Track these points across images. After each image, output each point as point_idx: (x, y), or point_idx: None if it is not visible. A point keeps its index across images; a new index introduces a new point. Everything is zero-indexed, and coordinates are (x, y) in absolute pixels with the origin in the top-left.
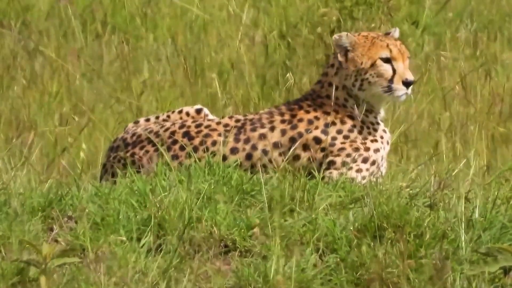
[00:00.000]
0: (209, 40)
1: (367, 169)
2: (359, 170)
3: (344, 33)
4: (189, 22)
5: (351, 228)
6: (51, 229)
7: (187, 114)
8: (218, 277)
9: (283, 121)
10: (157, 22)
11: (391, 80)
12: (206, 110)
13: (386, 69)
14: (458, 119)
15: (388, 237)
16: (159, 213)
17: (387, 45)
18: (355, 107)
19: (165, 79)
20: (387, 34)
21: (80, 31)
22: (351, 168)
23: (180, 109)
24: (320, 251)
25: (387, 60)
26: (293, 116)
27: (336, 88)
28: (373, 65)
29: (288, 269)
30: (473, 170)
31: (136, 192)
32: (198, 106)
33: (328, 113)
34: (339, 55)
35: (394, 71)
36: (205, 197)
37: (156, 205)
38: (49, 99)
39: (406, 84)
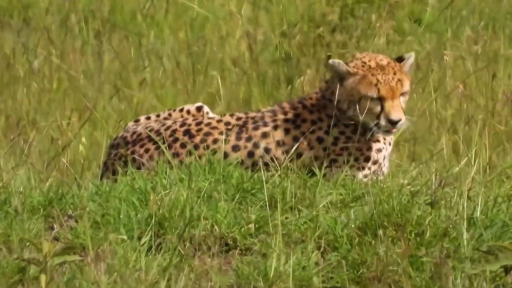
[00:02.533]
0: (210, 38)
1: (369, 168)
2: (360, 168)
3: (337, 61)
4: (190, 19)
5: (352, 226)
6: (52, 228)
7: (188, 112)
8: (219, 275)
9: (286, 120)
10: (158, 19)
11: (378, 117)
12: (206, 108)
13: (373, 106)
14: (460, 117)
15: (389, 235)
16: (160, 211)
17: (376, 84)
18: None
19: (166, 77)
20: (399, 59)
21: (82, 29)
22: (353, 166)
23: (181, 107)
24: (322, 249)
25: (376, 98)
26: (297, 115)
27: (338, 101)
28: (360, 99)
29: (289, 267)
30: (475, 168)
31: (137, 190)
32: (199, 104)
33: (331, 116)
34: (333, 80)
35: (382, 108)
36: (206, 195)
37: (157, 203)
38: (49, 96)
39: (392, 123)
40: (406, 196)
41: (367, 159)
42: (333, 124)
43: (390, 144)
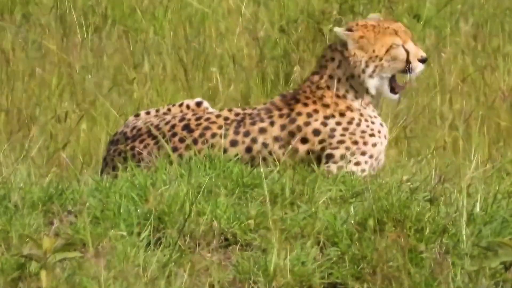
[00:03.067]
0: (210, 34)
1: (366, 162)
2: (357, 163)
3: (346, 33)
4: (189, 15)
5: (352, 221)
6: (52, 224)
7: (187, 107)
8: (219, 271)
9: (281, 116)
10: (158, 15)
11: (407, 61)
12: (206, 103)
13: (401, 51)
14: (460, 113)
15: (389, 231)
16: (160, 206)
17: (396, 32)
18: (354, 92)
19: (166, 73)
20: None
21: (82, 24)
22: (349, 162)
23: (180, 102)
24: (321, 244)
25: (400, 45)
26: (291, 110)
27: (338, 81)
28: (388, 51)
29: (289, 263)
30: (474, 164)
31: (136, 185)
32: (198, 99)
33: (327, 106)
34: (338, 46)
35: (407, 52)
36: (206, 190)
37: (156, 199)
38: (49, 92)
39: (422, 61)
40: (405, 192)
41: (364, 154)
42: (330, 115)
43: (385, 137)
